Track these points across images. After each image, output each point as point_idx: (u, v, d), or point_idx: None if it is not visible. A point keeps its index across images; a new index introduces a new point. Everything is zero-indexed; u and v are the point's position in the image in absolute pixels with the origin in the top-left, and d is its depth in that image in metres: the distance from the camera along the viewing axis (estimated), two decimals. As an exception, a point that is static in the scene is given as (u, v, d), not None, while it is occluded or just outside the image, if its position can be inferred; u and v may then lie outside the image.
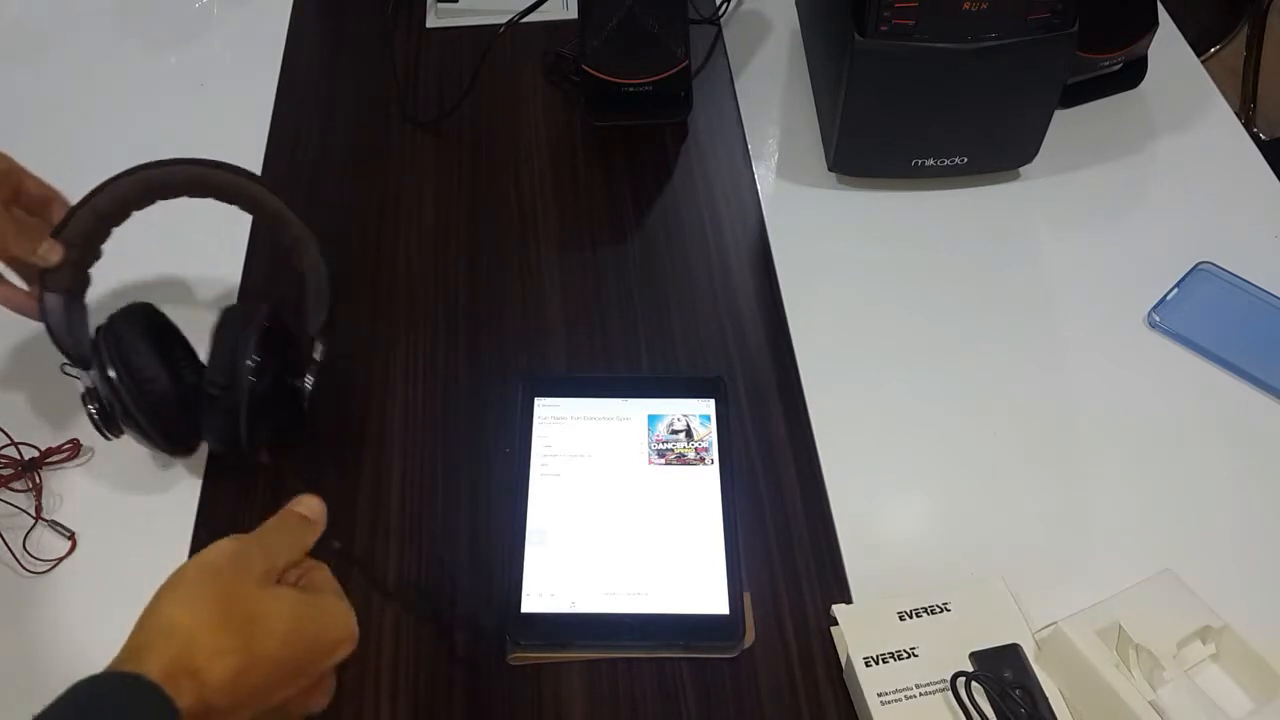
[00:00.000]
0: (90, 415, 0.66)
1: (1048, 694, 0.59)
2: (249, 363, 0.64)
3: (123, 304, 0.68)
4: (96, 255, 0.69)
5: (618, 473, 0.69)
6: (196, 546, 0.68)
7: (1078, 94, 0.91)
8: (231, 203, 0.70)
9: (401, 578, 0.67)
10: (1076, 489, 0.70)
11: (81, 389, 0.66)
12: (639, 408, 0.72)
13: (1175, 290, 0.79)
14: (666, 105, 0.90)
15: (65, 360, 0.66)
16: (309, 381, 0.68)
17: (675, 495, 0.68)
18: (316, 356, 0.69)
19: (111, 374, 0.64)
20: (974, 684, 0.58)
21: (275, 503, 0.69)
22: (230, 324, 0.66)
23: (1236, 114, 0.92)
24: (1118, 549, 0.67)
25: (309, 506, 0.56)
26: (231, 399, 0.64)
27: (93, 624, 0.65)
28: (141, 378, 0.64)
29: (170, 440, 0.67)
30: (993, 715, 0.57)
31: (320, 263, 0.70)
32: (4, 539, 0.68)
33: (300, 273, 0.70)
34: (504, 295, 0.81)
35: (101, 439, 0.73)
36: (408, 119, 0.94)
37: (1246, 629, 0.60)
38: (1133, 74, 0.92)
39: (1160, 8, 0.89)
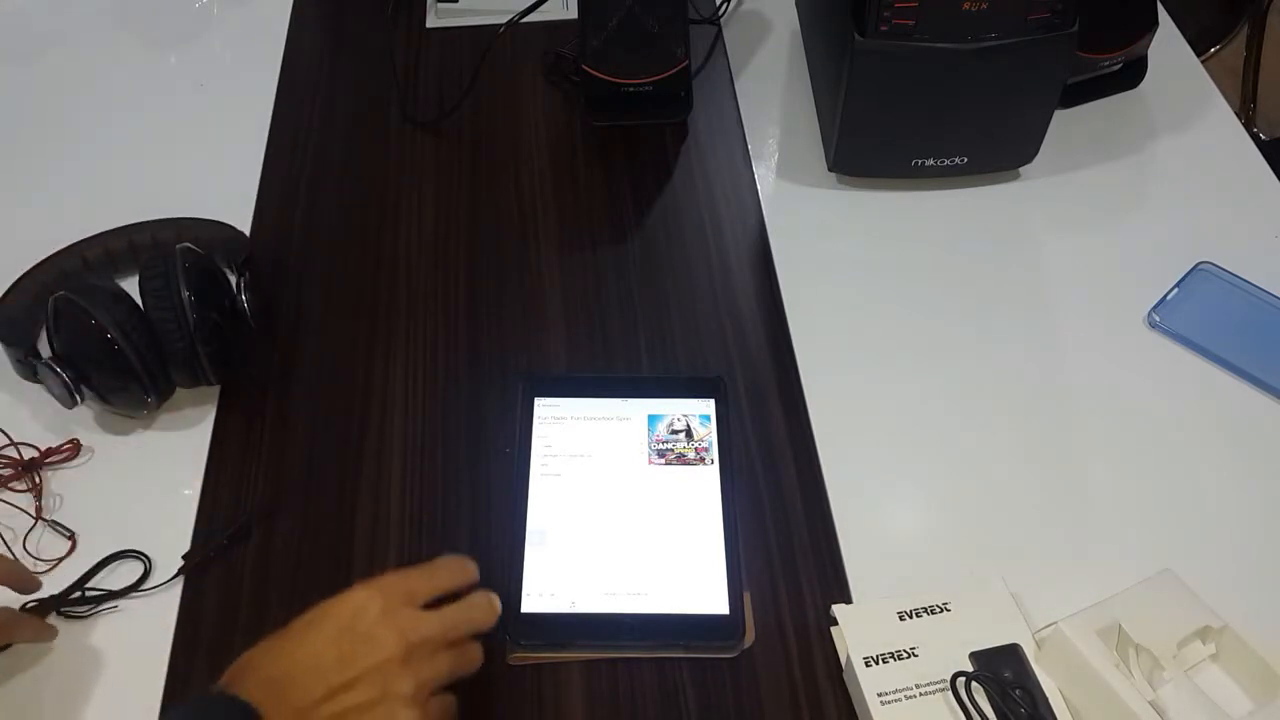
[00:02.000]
0: (64, 379, 0.68)
1: (1048, 694, 0.59)
2: (185, 293, 0.69)
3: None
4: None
5: (618, 473, 0.69)
6: (196, 546, 0.68)
7: (1078, 94, 0.91)
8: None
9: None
10: (1076, 489, 0.70)
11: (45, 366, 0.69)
12: (639, 408, 0.72)
13: (1175, 290, 0.79)
14: (666, 105, 0.90)
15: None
16: (245, 299, 0.74)
17: (675, 495, 0.68)
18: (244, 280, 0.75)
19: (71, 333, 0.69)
20: (974, 684, 0.58)
21: (273, 504, 0.70)
22: (155, 271, 0.70)
23: (1236, 114, 0.92)
24: (1118, 549, 0.67)
25: None
26: (181, 327, 0.69)
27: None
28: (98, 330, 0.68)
29: (141, 383, 0.69)
30: (993, 715, 0.57)
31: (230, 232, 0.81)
32: (4, 539, 0.68)
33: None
34: (504, 295, 0.81)
35: (101, 439, 0.73)
36: (408, 119, 0.94)
37: (1246, 629, 0.60)
38: (1133, 74, 0.92)
39: (1160, 8, 0.89)
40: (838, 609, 0.63)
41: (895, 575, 0.66)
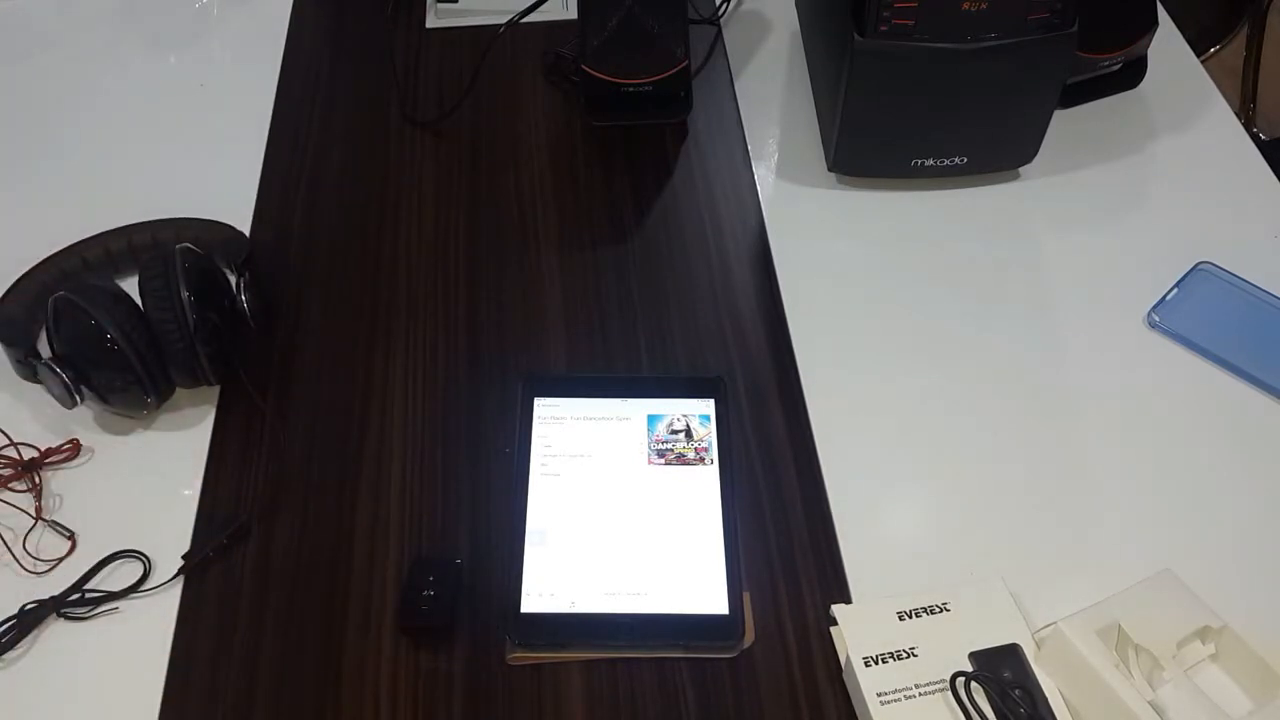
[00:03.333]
0: (63, 379, 0.68)
1: (1047, 694, 0.59)
2: (185, 293, 0.69)
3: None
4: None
5: (617, 473, 0.69)
6: (196, 546, 0.68)
7: (1078, 94, 0.91)
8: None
9: (401, 577, 0.67)
10: (1076, 489, 0.70)
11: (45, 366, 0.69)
12: (639, 408, 0.72)
13: (1175, 290, 0.79)
14: (666, 105, 0.90)
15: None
16: (244, 300, 0.74)
17: (675, 495, 0.68)
18: (243, 280, 0.75)
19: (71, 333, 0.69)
20: (973, 684, 0.58)
21: (274, 504, 0.70)
22: (154, 272, 0.70)
23: (1236, 114, 0.92)
24: (1118, 549, 0.67)
25: None
26: (181, 327, 0.69)
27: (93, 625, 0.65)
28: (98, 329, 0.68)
29: (141, 383, 0.69)
30: (992, 715, 0.57)
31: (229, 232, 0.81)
32: (4, 539, 0.68)
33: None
34: (504, 295, 0.81)
35: (101, 439, 0.73)
36: (408, 119, 0.94)
37: (1246, 629, 0.60)
38: (1132, 74, 0.92)
39: (1160, 8, 0.89)
40: (837, 609, 0.63)
41: (895, 575, 0.66)
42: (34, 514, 0.70)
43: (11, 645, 0.64)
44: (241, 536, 0.68)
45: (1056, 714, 0.58)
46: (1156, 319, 0.77)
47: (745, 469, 0.71)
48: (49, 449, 0.72)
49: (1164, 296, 0.78)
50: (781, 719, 0.61)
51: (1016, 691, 0.58)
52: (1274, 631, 0.62)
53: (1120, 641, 0.60)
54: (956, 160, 0.83)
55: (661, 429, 0.71)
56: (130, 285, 0.71)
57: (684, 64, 0.86)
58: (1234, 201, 0.85)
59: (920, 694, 0.59)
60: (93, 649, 0.64)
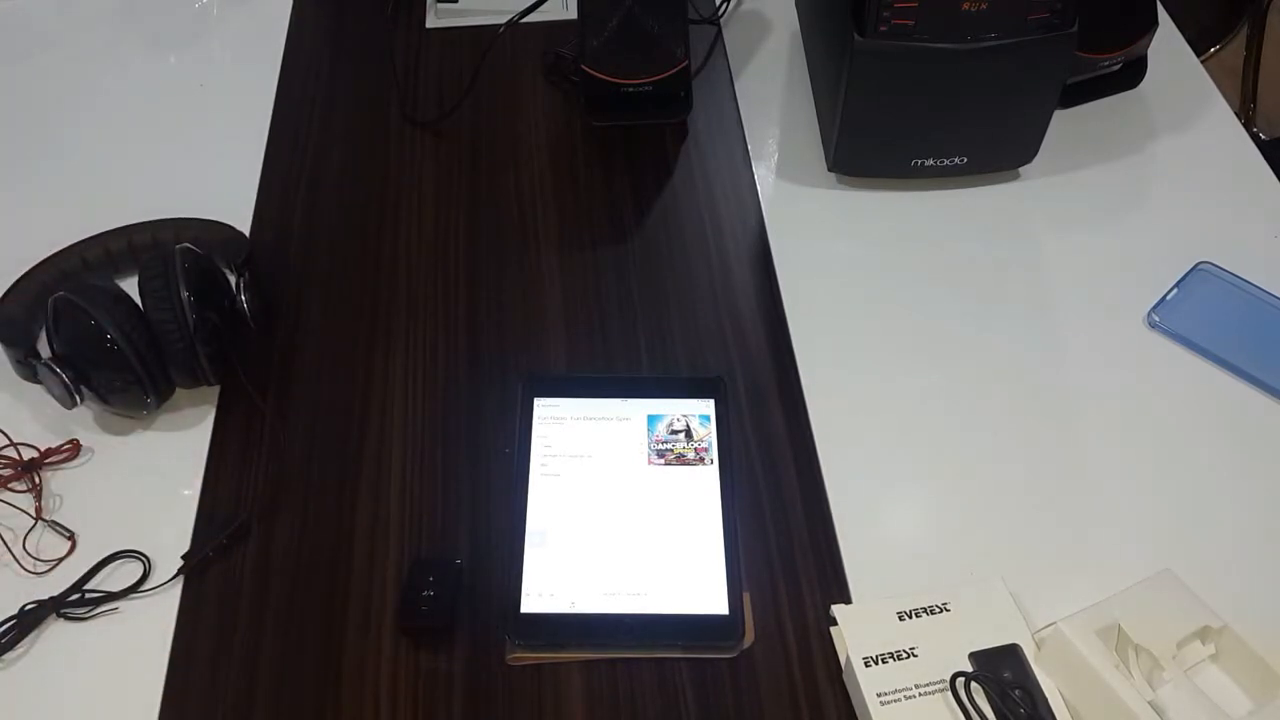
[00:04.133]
0: (63, 379, 0.68)
1: (1047, 694, 0.59)
2: (185, 293, 0.69)
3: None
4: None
5: (617, 473, 0.69)
6: (196, 546, 0.68)
7: (1078, 94, 0.91)
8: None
9: (401, 578, 0.67)
10: (1076, 489, 0.70)
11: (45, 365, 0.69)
12: (639, 408, 0.72)
13: (1175, 290, 0.79)
14: (666, 105, 0.90)
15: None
16: (244, 300, 0.74)
17: (675, 495, 0.68)
18: (243, 280, 0.75)
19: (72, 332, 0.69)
20: (973, 684, 0.58)
21: (274, 504, 0.70)
22: (154, 272, 0.70)
23: (1236, 114, 0.92)
24: (1118, 549, 0.67)
25: None
26: (180, 328, 0.69)
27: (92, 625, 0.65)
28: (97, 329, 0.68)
29: (141, 383, 0.69)
30: (992, 716, 0.57)
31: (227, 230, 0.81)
32: (4, 539, 0.68)
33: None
34: (504, 295, 0.81)
35: (101, 439, 0.73)
36: (408, 119, 0.94)
37: (1246, 629, 0.60)
38: (1132, 74, 0.92)
39: (1160, 8, 0.89)
40: (837, 609, 0.63)
41: (895, 575, 0.66)
42: (34, 514, 0.70)
43: (11, 645, 0.64)
44: (241, 536, 0.69)
45: (1056, 714, 0.58)
46: (1156, 319, 0.77)
47: (745, 469, 0.71)
48: (49, 449, 0.72)
49: (1164, 296, 0.78)
50: (781, 719, 0.61)
51: (1016, 692, 0.58)
52: (1274, 631, 0.62)
53: (1120, 641, 0.60)
54: (956, 160, 0.83)
55: (661, 429, 0.71)
56: (130, 285, 0.71)
57: (684, 64, 0.86)
58: (1234, 201, 0.85)
59: (920, 694, 0.59)
60: (93, 649, 0.64)
